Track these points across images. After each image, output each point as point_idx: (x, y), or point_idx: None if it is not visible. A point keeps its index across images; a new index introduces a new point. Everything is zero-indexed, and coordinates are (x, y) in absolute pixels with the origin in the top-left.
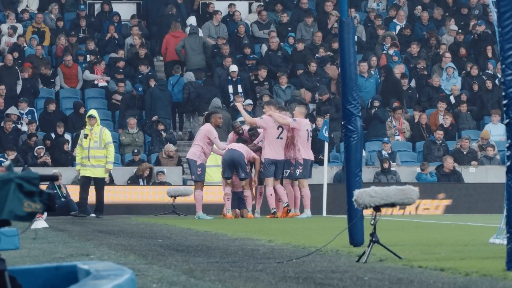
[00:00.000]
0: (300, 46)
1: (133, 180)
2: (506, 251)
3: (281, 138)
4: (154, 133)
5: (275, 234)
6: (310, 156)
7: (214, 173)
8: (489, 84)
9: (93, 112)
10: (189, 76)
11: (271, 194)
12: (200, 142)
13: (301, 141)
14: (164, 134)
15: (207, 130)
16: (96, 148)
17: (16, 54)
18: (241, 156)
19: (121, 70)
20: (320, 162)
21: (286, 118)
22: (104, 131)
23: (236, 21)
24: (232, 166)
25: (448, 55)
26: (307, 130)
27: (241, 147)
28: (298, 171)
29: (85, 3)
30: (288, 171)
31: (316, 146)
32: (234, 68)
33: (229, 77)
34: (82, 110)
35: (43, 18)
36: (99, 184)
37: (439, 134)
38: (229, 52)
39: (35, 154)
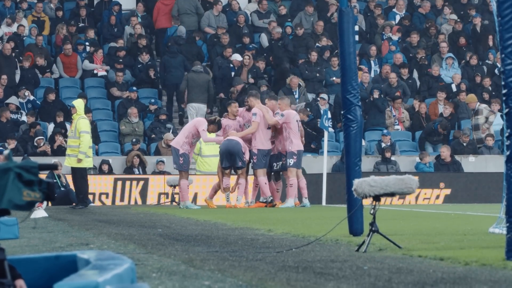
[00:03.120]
0: (300, 32)
1: (128, 171)
2: (506, 240)
3: (269, 128)
4: (154, 122)
5: (275, 223)
6: (301, 146)
7: (213, 163)
8: (488, 74)
9: (74, 102)
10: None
11: (265, 183)
12: (186, 131)
13: (293, 133)
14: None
15: (198, 120)
16: (72, 137)
17: (12, 44)
18: (238, 145)
19: (120, 60)
20: (315, 151)
21: (274, 118)
22: (79, 120)
23: (235, 10)
24: (229, 156)
25: (445, 44)
26: (297, 120)
27: (237, 138)
28: (292, 161)
29: None
30: (280, 163)
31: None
32: (236, 57)
33: (231, 65)
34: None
35: (42, 8)
36: (74, 174)
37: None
38: (229, 41)
39: (35, 144)
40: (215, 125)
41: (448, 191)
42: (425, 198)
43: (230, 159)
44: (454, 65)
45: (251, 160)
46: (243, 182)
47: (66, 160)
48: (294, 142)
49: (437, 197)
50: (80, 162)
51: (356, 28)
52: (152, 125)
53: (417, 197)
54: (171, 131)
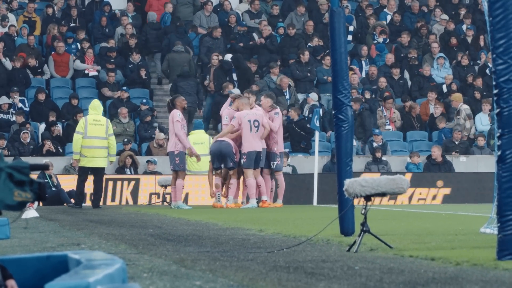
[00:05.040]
0: (291, 32)
1: (120, 171)
2: (497, 240)
3: (256, 127)
4: (141, 123)
5: (266, 223)
6: (255, 147)
7: (203, 162)
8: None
9: None
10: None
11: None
12: (172, 131)
13: (244, 133)
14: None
15: (171, 115)
16: None
17: (2, 44)
18: (228, 146)
19: (112, 60)
20: (306, 151)
21: (229, 128)
22: None
23: (227, 10)
24: (220, 157)
25: (436, 45)
26: (249, 120)
27: (228, 139)
28: (242, 161)
29: None
30: (275, 162)
31: (291, 134)
32: (227, 57)
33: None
34: (74, 101)
35: (34, 8)
36: None
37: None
38: (219, 41)
39: (22, 140)
40: (177, 104)
41: (440, 191)
42: (420, 198)
43: (221, 160)
44: (446, 65)
45: (241, 160)
46: (235, 182)
47: None
48: (245, 143)
49: (433, 197)
50: (75, 162)
51: (351, 28)
52: (141, 125)
53: (410, 198)
54: (157, 128)
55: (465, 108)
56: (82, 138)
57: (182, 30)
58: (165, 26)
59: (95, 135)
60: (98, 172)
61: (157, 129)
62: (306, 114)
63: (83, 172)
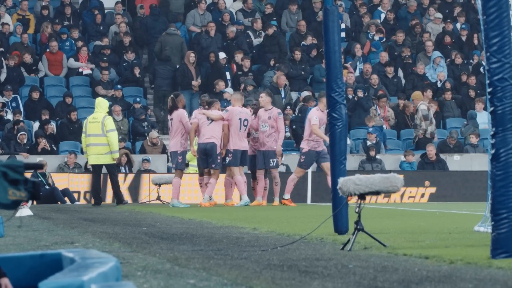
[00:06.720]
0: (270, 31)
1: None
2: (491, 239)
3: (245, 126)
4: (135, 120)
5: (260, 222)
6: (241, 145)
7: None
8: (473, 73)
9: None
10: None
11: (245, 182)
12: (178, 131)
13: (233, 130)
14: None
15: (178, 115)
16: None
17: None
18: (213, 147)
19: (105, 58)
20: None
21: (218, 113)
22: None
23: (220, 9)
24: (205, 157)
25: (430, 43)
26: (240, 119)
27: (211, 131)
28: (227, 159)
29: None
30: (276, 160)
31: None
32: (222, 55)
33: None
34: (68, 100)
35: (28, 6)
36: None
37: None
38: (214, 40)
39: (18, 140)
40: (180, 102)
41: (433, 190)
42: (410, 196)
43: (206, 160)
44: (440, 63)
45: (226, 158)
46: (214, 182)
47: None
48: (232, 140)
49: (422, 195)
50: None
51: (343, 26)
52: (135, 123)
53: (402, 196)
54: (145, 127)
55: (422, 108)
56: (85, 137)
57: (171, 16)
58: (152, 11)
59: (92, 132)
60: (96, 170)
61: (145, 128)
62: (297, 113)
63: (91, 170)
